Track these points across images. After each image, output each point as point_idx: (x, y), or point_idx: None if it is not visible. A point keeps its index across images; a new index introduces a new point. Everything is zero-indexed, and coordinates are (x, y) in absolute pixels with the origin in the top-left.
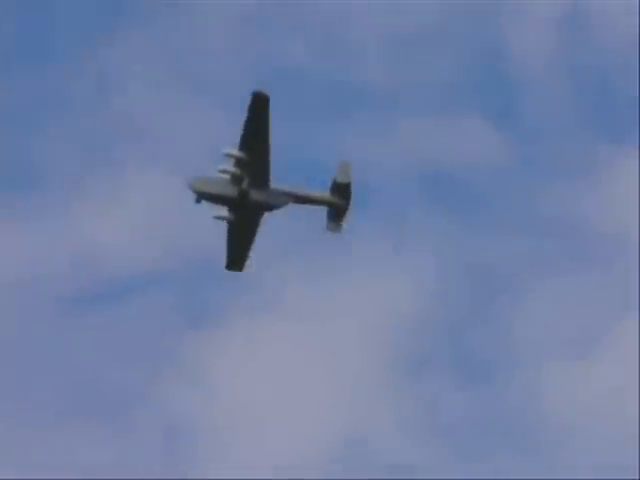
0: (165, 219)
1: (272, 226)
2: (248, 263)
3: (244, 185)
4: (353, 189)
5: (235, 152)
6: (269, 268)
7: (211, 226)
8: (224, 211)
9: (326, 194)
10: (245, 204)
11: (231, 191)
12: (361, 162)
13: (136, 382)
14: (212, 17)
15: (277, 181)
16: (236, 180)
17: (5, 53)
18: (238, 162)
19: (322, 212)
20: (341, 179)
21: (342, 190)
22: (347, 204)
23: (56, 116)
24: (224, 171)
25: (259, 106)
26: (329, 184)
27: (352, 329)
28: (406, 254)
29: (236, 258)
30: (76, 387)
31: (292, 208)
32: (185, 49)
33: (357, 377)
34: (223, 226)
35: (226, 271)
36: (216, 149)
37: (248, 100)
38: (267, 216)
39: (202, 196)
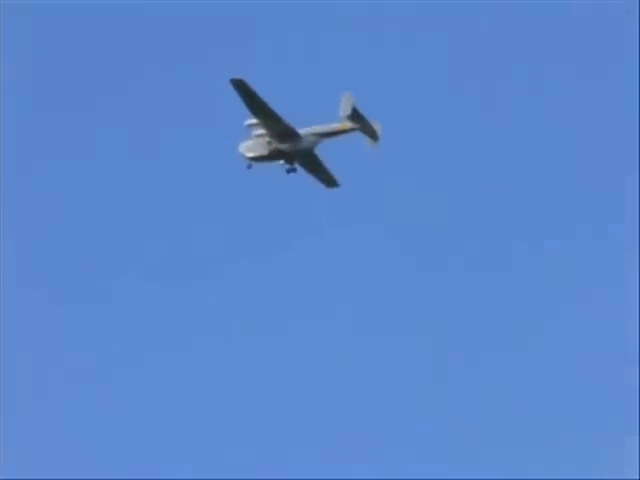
0: None
1: None
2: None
3: (272, 144)
4: (361, 111)
5: (252, 121)
6: None
7: None
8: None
9: (347, 123)
10: (284, 156)
11: (267, 150)
12: None
13: None
14: None
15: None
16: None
17: None
18: (262, 126)
19: None
20: (344, 112)
21: (353, 118)
22: (364, 126)
23: None
24: (259, 135)
25: (241, 89)
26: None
27: None
28: None
29: (326, 180)
30: None
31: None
32: None
33: None
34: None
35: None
36: None
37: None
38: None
39: (249, 159)
